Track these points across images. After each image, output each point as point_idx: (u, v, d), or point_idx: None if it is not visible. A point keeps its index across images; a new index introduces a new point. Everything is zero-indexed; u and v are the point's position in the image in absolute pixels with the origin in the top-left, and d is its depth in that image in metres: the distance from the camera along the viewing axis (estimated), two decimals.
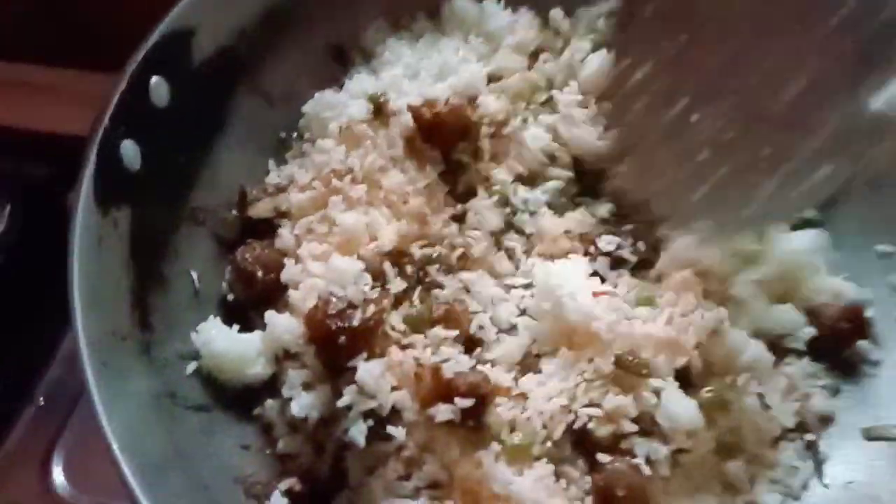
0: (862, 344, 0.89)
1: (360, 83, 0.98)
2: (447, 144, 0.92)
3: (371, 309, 0.79)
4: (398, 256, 0.86)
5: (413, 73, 0.99)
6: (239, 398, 0.84)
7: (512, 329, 0.85)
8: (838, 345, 0.89)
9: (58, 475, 1.02)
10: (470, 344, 0.84)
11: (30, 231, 1.19)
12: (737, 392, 0.80)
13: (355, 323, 0.77)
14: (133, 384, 0.76)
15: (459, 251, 0.88)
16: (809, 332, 0.88)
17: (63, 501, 1.00)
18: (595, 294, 0.81)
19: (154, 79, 0.86)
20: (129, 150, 0.83)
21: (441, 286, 0.85)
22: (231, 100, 0.98)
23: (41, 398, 1.08)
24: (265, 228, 0.93)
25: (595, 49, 0.98)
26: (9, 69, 1.43)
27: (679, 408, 0.76)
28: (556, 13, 1.03)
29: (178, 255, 0.89)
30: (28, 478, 1.02)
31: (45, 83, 1.40)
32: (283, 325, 0.83)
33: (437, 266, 0.86)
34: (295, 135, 1.01)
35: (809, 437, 0.85)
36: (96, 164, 0.78)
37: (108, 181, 0.79)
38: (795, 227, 0.92)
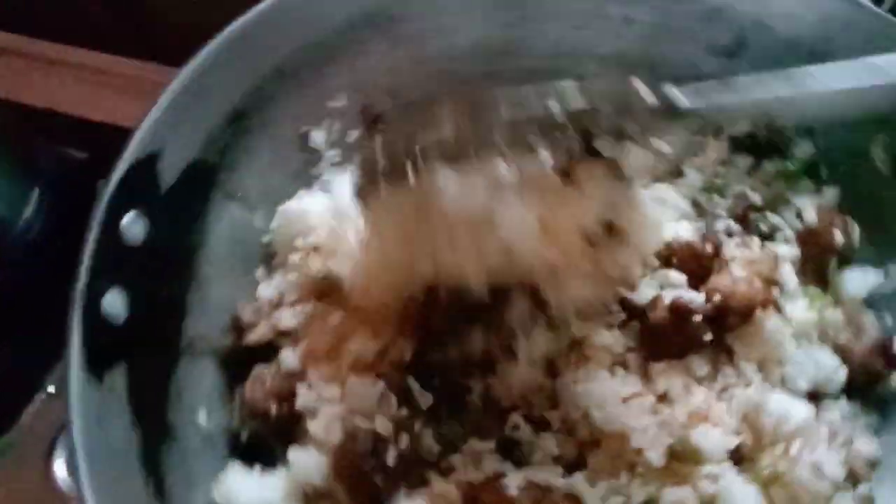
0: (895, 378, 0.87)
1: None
2: None
3: (405, 439, 0.74)
4: (419, 367, 0.81)
5: None
6: None
7: (546, 425, 0.81)
8: (872, 382, 0.87)
9: (59, 467, 0.99)
10: (506, 446, 0.80)
11: (56, 217, 1.15)
12: (789, 461, 0.77)
13: (391, 462, 0.72)
14: None
15: None
16: (843, 373, 0.86)
17: (62, 493, 0.97)
18: (624, 400, 0.76)
19: (125, 218, 0.79)
20: (114, 302, 0.76)
21: (470, 389, 0.80)
22: (208, 212, 0.91)
23: (50, 386, 1.06)
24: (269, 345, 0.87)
25: None
26: (60, 50, 1.38)
27: (741, 495, 0.73)
28: None
29: (182, 395, 0.82)
30: (30, 466, 1.00)
31: (96, 68, 1.36)
32: (309, 463, 0.77)
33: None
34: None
35: (863, 489, 0.82)
36: (81, 331, 0.71)
37: (96, 345, 0.72)
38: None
